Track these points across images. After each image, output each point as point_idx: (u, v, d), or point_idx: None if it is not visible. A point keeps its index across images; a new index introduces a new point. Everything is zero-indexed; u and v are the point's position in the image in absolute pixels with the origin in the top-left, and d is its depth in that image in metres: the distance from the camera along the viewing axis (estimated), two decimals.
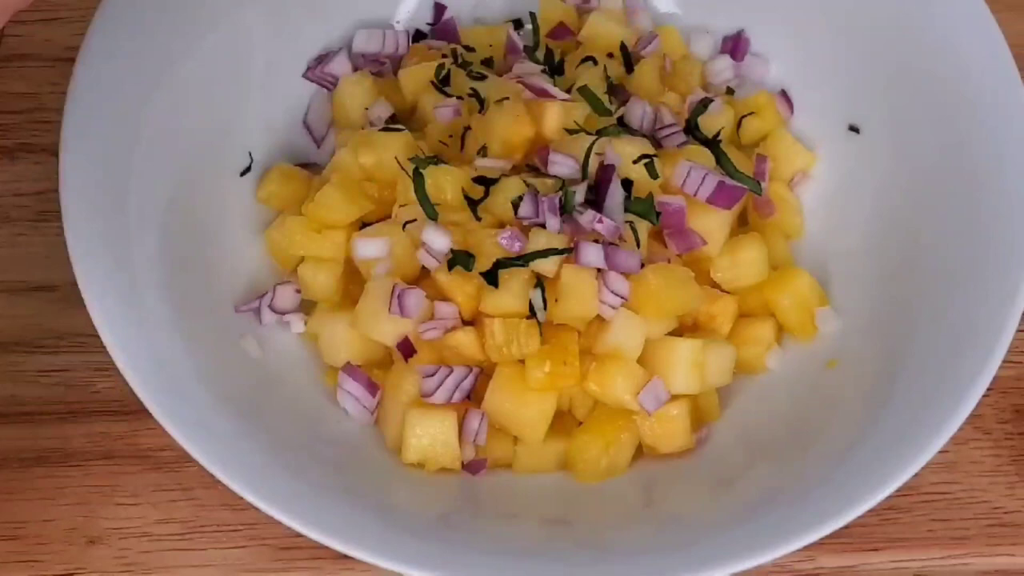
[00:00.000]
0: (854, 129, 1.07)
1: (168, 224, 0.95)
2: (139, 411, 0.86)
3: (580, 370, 0.94)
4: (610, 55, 1.10)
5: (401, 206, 0.98)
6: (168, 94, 0.98)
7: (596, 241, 0.93)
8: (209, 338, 0.94)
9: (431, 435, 0.93)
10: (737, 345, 0.99)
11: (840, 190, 1.07)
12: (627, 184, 0.96)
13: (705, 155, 1.01)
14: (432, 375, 0.93)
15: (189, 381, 0.87)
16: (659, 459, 0.96)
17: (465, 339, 0.94)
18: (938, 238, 0.96)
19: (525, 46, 1.12)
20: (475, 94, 1.04)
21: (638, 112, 1.04)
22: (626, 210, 0.95)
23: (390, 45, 1.12)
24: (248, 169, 1.05)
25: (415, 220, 0.96)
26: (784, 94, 1.11)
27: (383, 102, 1.07)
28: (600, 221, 0.93)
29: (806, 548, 0.81)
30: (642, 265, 0.94)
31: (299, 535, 0.80)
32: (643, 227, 0.96)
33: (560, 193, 0.94)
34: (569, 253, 0.93)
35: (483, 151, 1.00)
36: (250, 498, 0.80)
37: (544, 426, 0.94)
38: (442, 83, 1.06)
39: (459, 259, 0.94)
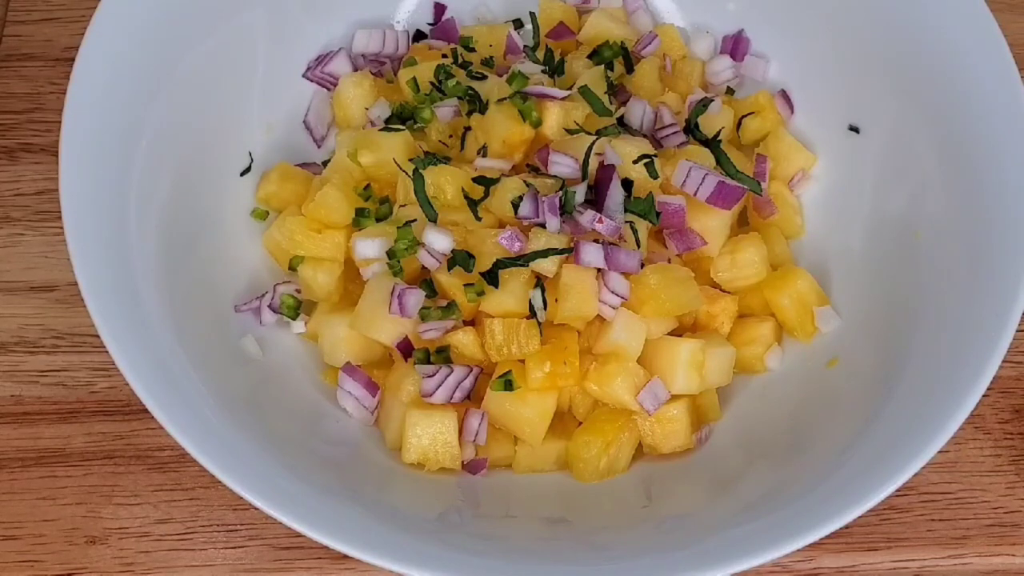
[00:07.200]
0: (854, 129, 1.07)
1: (168, 224, 0.95)
2: (139, 411, 0.86)
3: (580, 370, 0.94)
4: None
5: (401, 206, 0.98)
6: (168, 94, 0.98)
7: (596, 241, 0.93)
8: (209, 338, 0.94)
9: (431, 435, 0.93)
10: (737, 345, 1.00)
11: (840, 190, 1.07)
12: (627, 184, 0.96)
13: (705, 155, 1.01)
14: (432, 375, 0.93)
15: (189, 381, 0.87)
16: (659, 459, 0.96)
17: (465, 339, 0.94)
18: (938, 238, 0.96)
19: (525, 46, 1.12)
20: (474, 94, 1.04)
21: (638, 112, 1.05)
22: (626, 210, 0.95)
23: (390, 45, 1.12)
24: (248, 169, 1.05)
25: (415, 220, 0.96)
26: (784, 94, 1.11)
27: (383, 102, 1.07)
28: (600, 221, 0.93)
29: (806, 548, 0.81)
30: (642, 265, 0.94)
31: (299, 535, 0.80)
32: (643, 227, 0.96)
33: (560, 193, 0.94)
34: (569, 253, 0.93)
35: (483, 151, 1.00)
36: (250, 498, 0.80)
37: (544, 426, 0.94)
38: (441, 83, 1.06)
39: (459, 259, 0.94)
